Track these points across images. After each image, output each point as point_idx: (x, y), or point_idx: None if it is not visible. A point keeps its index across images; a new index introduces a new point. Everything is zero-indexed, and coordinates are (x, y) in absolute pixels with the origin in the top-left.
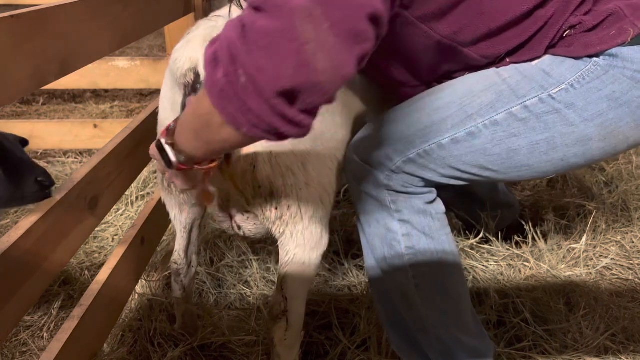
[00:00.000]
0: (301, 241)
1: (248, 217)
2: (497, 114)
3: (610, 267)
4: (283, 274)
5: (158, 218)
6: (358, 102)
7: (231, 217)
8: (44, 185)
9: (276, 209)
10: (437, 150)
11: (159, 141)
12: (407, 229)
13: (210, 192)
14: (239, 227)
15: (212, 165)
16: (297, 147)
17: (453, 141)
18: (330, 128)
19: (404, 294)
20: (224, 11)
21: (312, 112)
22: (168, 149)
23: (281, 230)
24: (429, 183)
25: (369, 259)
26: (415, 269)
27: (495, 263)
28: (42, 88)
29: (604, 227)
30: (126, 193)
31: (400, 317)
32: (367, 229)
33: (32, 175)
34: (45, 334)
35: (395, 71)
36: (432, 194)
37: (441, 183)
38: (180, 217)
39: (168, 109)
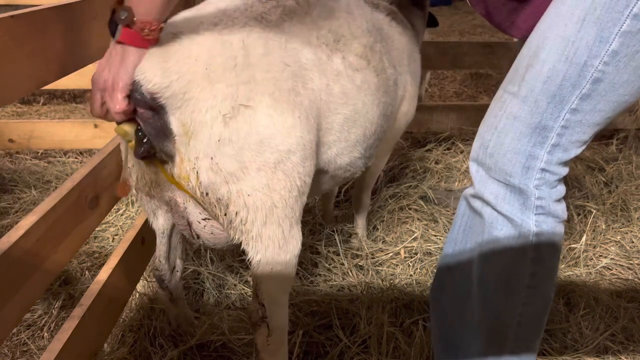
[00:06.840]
0: (260, 246)
1: (205, 225)
2: (610, 44)
3: (609, 267)
4: (255, 280)
5: None
6: (325, 100)
7: (189, 225)
8: None
9: (225, 215)
10: (573, 117)
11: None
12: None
13: (127, 182)
14: (197, 236)
15: (155, 27)
16: (240, 152)
17: (582, 99)
18: (280, 131)
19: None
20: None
21: None
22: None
23: (236, 237)
24: (569, 162)
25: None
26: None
27: None
28: (42, 88)
29: (603, 227)
30: None
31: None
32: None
33: None
34: (45, 334)
35: None
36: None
37: (582, 151)
38: (156, 223)
39: None
